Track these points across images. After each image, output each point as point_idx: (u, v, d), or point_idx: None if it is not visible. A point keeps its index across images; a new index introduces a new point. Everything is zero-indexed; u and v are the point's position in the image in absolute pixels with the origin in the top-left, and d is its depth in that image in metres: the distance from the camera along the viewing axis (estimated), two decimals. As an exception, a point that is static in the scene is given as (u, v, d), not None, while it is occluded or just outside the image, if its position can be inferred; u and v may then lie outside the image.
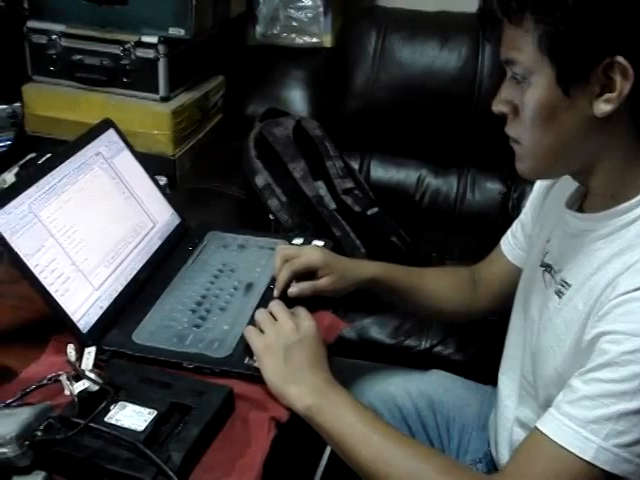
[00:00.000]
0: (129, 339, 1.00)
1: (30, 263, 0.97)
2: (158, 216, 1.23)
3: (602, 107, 0.77)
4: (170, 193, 1.78)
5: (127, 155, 1.23)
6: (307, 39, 1.95)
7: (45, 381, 0.91)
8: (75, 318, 0.99)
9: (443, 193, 1.92)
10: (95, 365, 0.94)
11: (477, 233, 1.87)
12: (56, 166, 1.08)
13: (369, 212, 1.73)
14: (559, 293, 0.88)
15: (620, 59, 0.74)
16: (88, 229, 1.08)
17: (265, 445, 0.86)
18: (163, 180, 1.81)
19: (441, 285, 1.20)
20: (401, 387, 1.21)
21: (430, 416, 1.16)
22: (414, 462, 0.82)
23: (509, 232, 1.15)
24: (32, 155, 1.76)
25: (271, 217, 1.63)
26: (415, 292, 1.17)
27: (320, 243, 1.22)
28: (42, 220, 1.02)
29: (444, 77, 1.86)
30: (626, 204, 0.81)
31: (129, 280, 1.11)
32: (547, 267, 0.94)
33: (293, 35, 1.94)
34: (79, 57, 1.78)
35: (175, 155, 1.82)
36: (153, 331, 1.02)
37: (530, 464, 0.77)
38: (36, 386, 0.91)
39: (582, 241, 0.86)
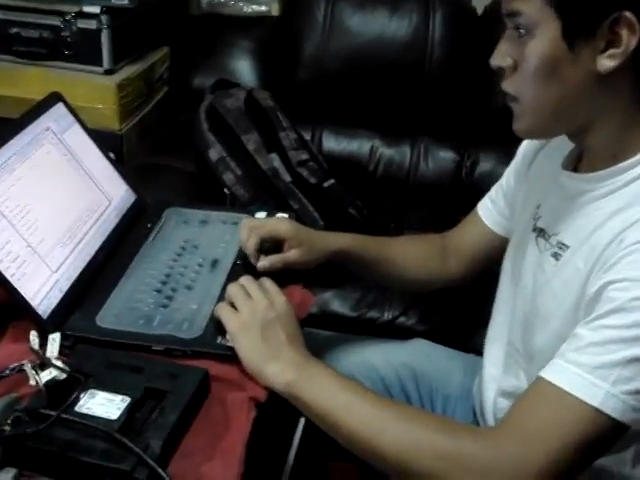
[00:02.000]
0: (93, 323, 0.95)
1: (-18, 248, 0.90)
2: (113, 193, 1.18)
3: (606, 63, 0.76)
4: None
5: (77, 130, 1.17)
6: (255, 7, 1.89)
7: (7, 371, 0.85)
8: (34, 303, 0.93)
9: (396, 163, 1.91)
10: (59, 352, 0.89)
11: (432, 202, 1.86)
12: (3, 143, 1.02)
13: (325, 184, 1.70)
14: (556, 255, 0.86)
15: (628, 14, 0.73)
16: (42, 209, 1.02)
17: (246, 427, 0.83)
18: (110, 156, 1.74)
19: (410, 254, 1.18)
20: (382, 357, 1.18)
21: (413, 386, 1.15)
22: (408, 423, 0.80)
23: (487, 198, 1.13)
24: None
25: (226, 191, 1.58)
26: (384, 262, 1.14)
27: (284, 215, 1.18)
28: (-7, 200, 0.95)
29: (395, 45, 1.84)
30: (627, 162, 0.80)
31: (88, 261, 1.06)
32: (540, 231, 0.92)
33: (240, 3, 1.88)
34: (16, 30, 1.69)
35: (122, 130, 1.75)
36: (117, 314, 0.97)
37: (533, 413, 0.75)
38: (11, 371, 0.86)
39: (580, 202, 0.85)
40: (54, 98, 1.16)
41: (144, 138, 1.83)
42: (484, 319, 1.11)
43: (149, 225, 1.17)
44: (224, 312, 0.92)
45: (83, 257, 1.05)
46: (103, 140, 1.68)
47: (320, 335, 1.30)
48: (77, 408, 0.80)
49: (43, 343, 0.87)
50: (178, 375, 0.86)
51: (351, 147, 1.92)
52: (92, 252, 1.07)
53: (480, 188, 1.81)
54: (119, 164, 1.68)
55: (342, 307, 1.58)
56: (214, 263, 1.08)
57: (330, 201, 1.67)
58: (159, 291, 1.02)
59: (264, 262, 1.03)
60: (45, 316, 0.94)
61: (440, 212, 1.84)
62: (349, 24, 1.87)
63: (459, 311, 1.52)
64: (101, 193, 1.15)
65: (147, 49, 1.85)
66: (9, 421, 0.76)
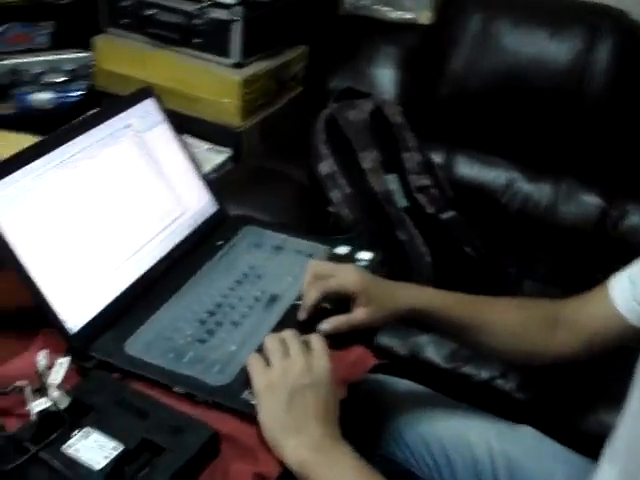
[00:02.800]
0: (120, 348, 0.87)
1: (18, 246, 0.85)
2: (190, 202, 1.10)
3: None
4: (230, 169, 1.65)
5: (164, 130, 1.10)
6: (401, 14, 1.75)
7: (10, 388, 0.79)
8: (63, 316, 0.87)
9: (534, 201, 1.71)
10: (78, 372, 0.82)
11: (567, 252, 1.65)
12: (76, 136, 0.96)
13: (444, 215, 1.54)
14: None
15: None
16: (100, 212, 0.95)
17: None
18: (226, 152, 1.69)
19: (509, 322, 1.00)
20: (482, 437, 1.03)
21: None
22: None
23: (625, 275, 0.91)
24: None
25: (331, 209, 1.47)
26: (473, 329, 0.98)
27: (368, 255, 1.06)
28: (45, 197, 0.90)
29: (550, 70, 1.64)
30: None
31: (141, 274, 0.98)
32: None
33: (386, 8, 1.75)
34: (153, 11, 1.66)
35: (242, 127, 1.68)
36: (150, 341, 0.89)
37: None
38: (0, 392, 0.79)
39: None
40: (145, 93, 1.09)
41: (267, 138, 1.75)
42: (598, 397, 0.92)
43: (220, 243, 1.08)
44: (254, 365, 0.82)
45: (137, 269, 0.98)
46: (221, 135, 1.64)
47: (417, 390, 1.15)
48: (64, 447, 0.73)
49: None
50: (183, 430, 0.76)
51: (485, 177, 1.74)
52: (149, 265, 1.00)
53: (626, 244, 1.61)
54: (231, 162, 1.63)
55: (436, 355, 1.43)
56: (272, 299, 0.97)
57: (445, 235, 1.52)
58: (203, 322, 0.92)
59: (326, 326, 0.91)
60: (73, 331, 0.87)
61: (574, 264, 1.63)
62: (504, 42, 1.69)
63: (568, 383, 1.32)
64: (175, 201, 1.07)
65: (283, 46, 1.76)
66: (-17, 454, 0.69)
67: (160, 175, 1.06)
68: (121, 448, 0.73)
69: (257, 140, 1.74)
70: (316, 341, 0.85)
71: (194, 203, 1.11)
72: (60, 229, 0.90)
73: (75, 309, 0.88)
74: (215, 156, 1.67)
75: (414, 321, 0.98)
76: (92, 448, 0.73)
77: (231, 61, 1.63)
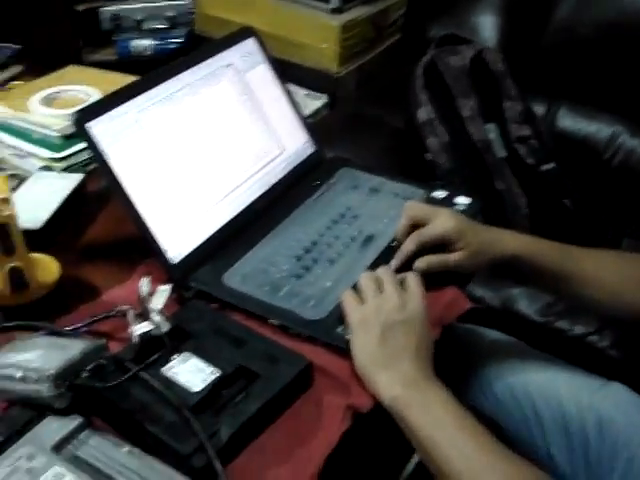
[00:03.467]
0: (218, 280, 0.89)
1: (124, 178, 0.87)
2: (288, 142, 1.10)
3: None
4: (326, 114, 1.65)
5: (265, 70, 1.10)
6: (506, -43, 1.69)
7: (114, 312, 0.82)
8: (165, 246, 0.89)
9: (637, 155, 1.64)
10: (178, 301, 0.85)
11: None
12: (178, 73, 0.98)
13: (543, 167, 1.50)
14: None
15: None
16: (201, 148, 0.97)
17: (333, 437, 0.73)
18: (323, 98, 1.68)
19: (607, 274, 0.97)
20: (570, 392, 1.01)
21: (595, 434, 0.95)
22: None
23: None
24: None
25: (428, 157, 1.45)
26: (568, 278, 0.95)
27: (466, 201, 1.04)
28: (148, 131, 0.92)
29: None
30: None
31: (240, 211, 1.00)
32: None
33: (491, -49, 1.69)
34: (254, -45, 1.66)
35: (340, 73, 1.67)
36: (247, 274, 0.90)
37: None
38: (104, 316, 0.83)
39: None
40: (246, 33, 1.10)
41: (363, 85, 1.73)
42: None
43: (317, 183, 1.08)
44: (348, 301, 0.82)
45: (236, 205, 1.00)
46: (318, 81, 1.63)
47: (508, 341, 1.13)
48: (164, 369, 0.75)
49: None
50: (279, 359, 0.77)
51: (588, 129, 1.67)
52: (247, 202, 1.01)
53: None
54: (327, 108, 1.62)
55: (528, 308, 1.40)
56: (368, 239, 0.97)
57: (544, 187, 1.47)
58: (299, 258, 0.93)
59: (420, 264, 0.90)
60: (174, 262, 0.90)
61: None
62: (616, -13, 1.61)
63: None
64: (274, 140, 1.08)
65: (382, -8, 1.73)
66: (89, 368, 0.72)
67: (260, 114, 1.07)
68: (218, 374, 0.75)
69: (354, 86, 1.72)
70: (411, 279, 0.84)
71: (292, 143, 1.11)
72: (163, 163, 0.92)
73: (176, 241, 0.90)
74: (312, 102, 1.66)
75: (509, 270, 0.96)
76: (190, 372, 0.75)
77: (330, 6, 1.62)
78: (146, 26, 1.94)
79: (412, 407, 0.73)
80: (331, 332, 0.82)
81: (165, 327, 0.77)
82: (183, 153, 0.95)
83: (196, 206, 0.94)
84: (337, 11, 1.61)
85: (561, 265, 0.93)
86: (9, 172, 1.11)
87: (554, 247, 0.94)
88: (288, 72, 1.61)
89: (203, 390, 0.73)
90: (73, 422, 0.70)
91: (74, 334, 0.80)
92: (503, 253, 0.92)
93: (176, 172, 0.93)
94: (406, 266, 0.90)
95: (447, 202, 1.04)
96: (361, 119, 1.61)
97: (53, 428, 0.69)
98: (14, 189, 1.05)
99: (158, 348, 0.77)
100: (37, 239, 0.94)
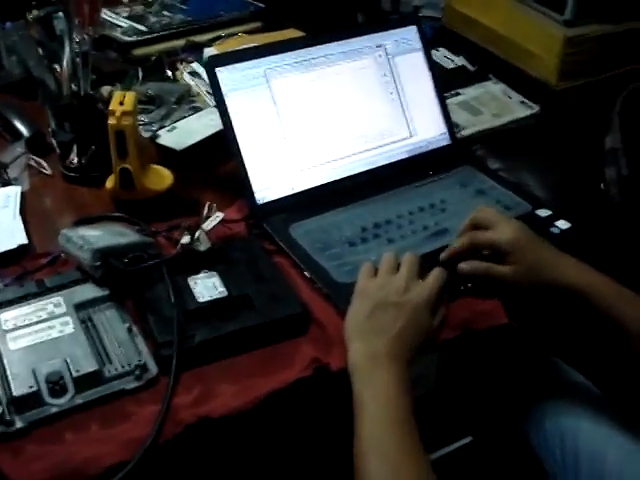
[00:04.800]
0: (286, 228, 1.00)
1: (236, 122, 1.01)
2: (421, 130, 1.16)
3: None
4: (531, 124, 1.62)
5: (417, 58, 1.17)
6: None
7: (182, 226, 0.97)
8: (255, 188, 1.02)
9: None
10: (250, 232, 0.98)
11: None
12: (321, 42, 1.09)
13: None
14: None
15: None
16: (320, 112, 1.07)
17: (288, 378, 0.81)
18: (534, 109, 1.66)
19: None
20: (620, 455, 0.94)
21: None
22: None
23: None
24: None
25: (602, 187, 1.38)
26: (612, 323, 0.89)
27: (565, 225, 1.02)
28: (272, 88, 1.05)
29: None
30: None
31: (337, 179, 1.08)
32: None
33: None
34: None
35: (558, 87, 1.63)
36: (310, 230, 1.00)
37: None
38: (175, 227, 0.98)
39: None
40: (409, 19, 1.17)
41: (579, 104, 1.67)
42: None
43: (430, 173, 1.13)
44: (364, 271, 0.88)
45: (337, 172, 1.08)
46: (535, 90, 1.62)
47: (578, 382, 1.07)
48: (189, 278, 0.89)
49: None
50: (280, 301, 0.87)
51: None
52: (350, 172, 1.09)
53: None
54: (539, 120, 1.59)
55: None
56: (440, 232, 1.00)
57: None
58: (364, 230, 1.00)
59: (465, 265, 0.92)
60: (259, 202, 1.02)
61: None
62: None
63: None
64: (405, 124, 1.15)
65: (622, 14, 1.64)
66: (131, 255, 0.88)
67: (397, 97, 1.14)
68: (224, 294, 0.86)
69: (573, 102, 1.67)
70: (434, 272, 0.87)
71: (426, 132, 1.16)
72: (277, 118, 1.04)
73: (266, 187, 1.03)
74: (521, 109, 1.65)
75: (560, 302, 0.92)
76: (206, 286, 0.88)
77: (564, 18, 1.58)
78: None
79: (362, 381, 0.77)
80: (345, 297, 0.88)
81: (204, 246, 0.90)
82: (299, 113, 1.06)
83: (294, 163, 1.05)
84: (569, 24, 1.57)
85: (610, 309, 0.88)
86: (196, 104, 1.31)
87: (613, 288, 0.89)
88: (509, 75, 1.64)
89: (204, 303, 0.85)
90: (101, 292, 0.87)
91: (143, 231, 0.96)
92: (556, 280, 0.89)
93: (286, 129, 1.05)
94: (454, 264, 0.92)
95: (546, 222, 1.02)
96: (555, 135, 1.57)
97: (85, 291, 0.87)
98: (185, 117, 1.24)
99: (195, 260, 0.90)
100: (177, 159, 1.13)
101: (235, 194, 1.07)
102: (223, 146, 1.04)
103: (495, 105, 1.53)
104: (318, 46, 1.08)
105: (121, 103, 0.98)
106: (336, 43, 1.09)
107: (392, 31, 1.14)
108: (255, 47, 1.04)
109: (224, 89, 1.01)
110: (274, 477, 0.93)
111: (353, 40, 1.10)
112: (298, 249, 0.96)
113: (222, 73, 1.01)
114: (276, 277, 0.91)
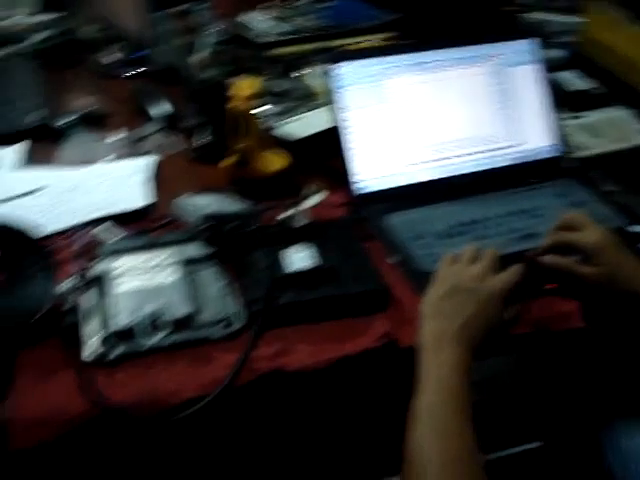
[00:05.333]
0: (381, 216, 1.06)
1: (348, 113, 1.09)
2: (527, 140, 1.19)
3: None
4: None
5: (532, 71, 1.20)
6: None
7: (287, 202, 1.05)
8: (358, 176, 1.09)
9: None
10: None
11: None
12: (436, 48, 1.15)
13: None
14: None
15: None
16: (430, 114, 1.13)
17: (358, 347, 0.87)
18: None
19: None
20: None
21: None
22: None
23: None
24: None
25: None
26: None
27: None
28: (385, 86, 1.12)
29: None
30: None
31: (439, 178, 1.13)
32: None
33: None
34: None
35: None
36: (405, 220, 1.06)
37: None
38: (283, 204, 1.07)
39: None
40: (526, 33, 1.20)
41: None
42: None
43: (532, 181, 1.15)
44: (444, 259, 0.92)
45: (441, 172, 1.14)
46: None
47: None
48: (287, 248, 0.96)
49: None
50: (363, 278, 0.93)
51: None
52: (453, 173, 1.14)
53: None
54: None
55: None
56: (527, 236, 1.03)
57: None
58: (455, 226, 1.05)
59: (548, 258, 0.94)
60: (359, 191, 1.10)
61: None
62: None
63: None
64: (512, 133, 1.18)
65: None
66: (234, 223, 0.97)
67: (507, 106, 1.18)
68: (314, 267, 0.94)
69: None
70: (512, 268, 0.90)
71: (531, 142, 1.19)
72: (386, 114, 1.11)
73: (369, 178, 1.10)
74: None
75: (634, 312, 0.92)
76: (299, 257, 0.95)
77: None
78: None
79: (427, 354, 0.82)
80: (425, 283, 0.93)
81: (301, 222, 0.99)
82: (409, 112, 1.12)
83: (399, 159, 1.11)
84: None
85: None
86: (317, 103, 1.40)
87: None
88: (627, 97, 1.63)
89: (294, 271, 0.93)
90: (205, 252, 0.97)
91: (250, 205, 1.06)
92: (633, 289, 0.90)
93: (394, 126, 1.11)
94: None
95: (636, 237, 1.03)
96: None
97: (192, 249, 0.97)
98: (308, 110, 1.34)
99: (291, 234, 0.98)
100: (291, 148, 1.22)
101: (339, 184, 1.14)
102: (334, 142, 1.11)
103: (617, 130, 1.52)
104: (433, 51, 1.14)
105: (244, 90, 1.08)
106: (451, 49, 1.14)
107: (508, 43, 1.17)
108: (372, 47, 1.12)
109: (341, 83, 1.09)
110: (330, 438, 0.99)
111: (469, 48, 1.15)
112: (390, 236, 1.02)
113: (340, 68, 1.09)
114: (363, 258, 0.97)
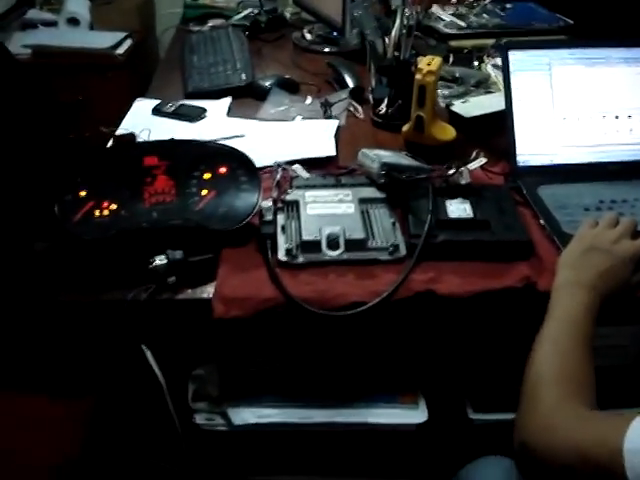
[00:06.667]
0: (535, 187, 1.20)
1: (515, 95, 1.24)
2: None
3: None
4: None
5: None
6: None
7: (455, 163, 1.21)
8: (519, 151, 1.24)
9: None
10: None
11: None
12: (604, 46, 1.27)
13: None
14: None
15: None
16: (591, 104, 1.25)
17: (502, 283, 1.02)
18: None
19: None
20: None
21: None
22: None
23: None
24: None
25: None
26: None
27: None
28: (552, 74, 1.25)
29: None
30: None
31: (594, 161, 1.25)
32: None
33: None
34: None
35: None
36: (555, 193, 1.19)
37: None
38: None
39: None
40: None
41: None
42: None
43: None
44: (586, 222, 1.05)
45: (597, 156, 1.26)
46: None
47: None
48: (447, 200, 1.13)
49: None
50: (512, 229, 1.09)
51: None
52: (608, 159, 1.26)
53: None
54: None
55: None
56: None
57: None
58: (601, 202, 1.16)
59: None
60: (519, 164, 1.24)
61: None
62: None
63: None
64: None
65: None
66: (405, 174, 1.15)
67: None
68: (470, 217, 1.10)
69: None
70: None
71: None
72: (553, 100, 1.24)
73: (529, 154, 1.24)
74: None
75: None
76: (458, 208, 1.11)
77: None
78: None
79: (561, 294, 0.96)
80: (566, 243, 1.06)
81: (464, 180, 1.15)
82: (571, 99, 1.25)
83: (558, 140, 1.24)
84: None
85: None
86: (490, 90, 1.56)
87: None
88: None
89: (453, 218, 1.09)
90: (380, 195, 1.15)
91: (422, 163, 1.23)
92: None
93: (557, 110, 1.24)
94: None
95: None
96: None
97: (368, 191, 1.16)
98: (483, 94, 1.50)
99: (455, 189, 1.14)
100: (463, 124, 1.38)
101: (499, 158, 1.29)
102: (500, 123, 1.26)
103: None
104: (600, 48, 1.26)
105: (429, 65, 1.26)
106: (618, 49, 1.26)
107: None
108: (543, 40, 1.25)
109: (512, 67, 1.24)
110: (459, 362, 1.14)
111: (634, 49, 1.27)
112: (540, 203, 1.16)
113: (513, 55, 1.24)
114: (514, 217, 1.12)
